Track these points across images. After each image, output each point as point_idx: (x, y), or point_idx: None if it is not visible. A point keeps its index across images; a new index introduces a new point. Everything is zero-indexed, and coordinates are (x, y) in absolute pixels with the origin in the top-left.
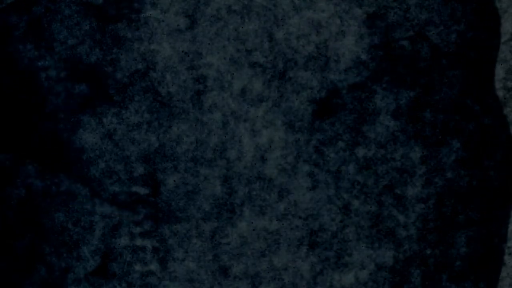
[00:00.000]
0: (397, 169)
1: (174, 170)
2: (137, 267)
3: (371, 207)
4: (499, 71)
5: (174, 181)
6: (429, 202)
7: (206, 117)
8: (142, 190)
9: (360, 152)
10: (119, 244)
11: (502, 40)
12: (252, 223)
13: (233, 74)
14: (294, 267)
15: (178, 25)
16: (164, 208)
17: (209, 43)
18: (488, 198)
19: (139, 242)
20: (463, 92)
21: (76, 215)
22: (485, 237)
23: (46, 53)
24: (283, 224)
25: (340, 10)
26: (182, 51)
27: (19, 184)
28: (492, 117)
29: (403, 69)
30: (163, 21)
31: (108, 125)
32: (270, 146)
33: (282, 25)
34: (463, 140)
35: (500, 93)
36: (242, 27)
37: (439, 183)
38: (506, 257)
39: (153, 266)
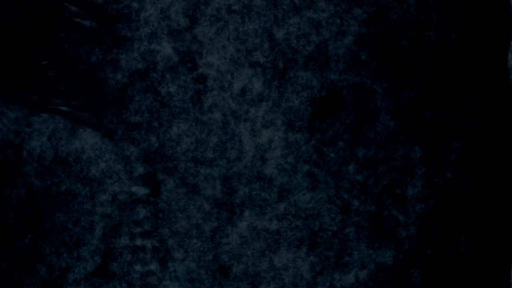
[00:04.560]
0: (397, 169)
1: (174, 170)
2: (137, 267)
3: (371, 207)
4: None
5: (174, 181)
6: (429, 202)
7: (206, 117)
8: (142, 190)
9: (360, 152)
10: (119, 244)
11: None
12: (252, 223)
13: (233, 74)
14: (294, 267)
15: (178, 25)
16: (164, 208)
17: (209, 43)
18: (488, 198)
19: (139, 242)
20: (463, 92)
21: (76, 215)
22: (485, 237)
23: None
24: (283, 224)
25: (340, 10)
26: (182, 51)
27: (19, 184)
28: (493, 117)
29: (403, 69)
30: (163, 21)
31: (108, 125)
32: (270, 146)
33: (282, 25)
34: (463, 140)
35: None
36: (242, 27)
37: (439, 183)
38: None
39: (153, 266)
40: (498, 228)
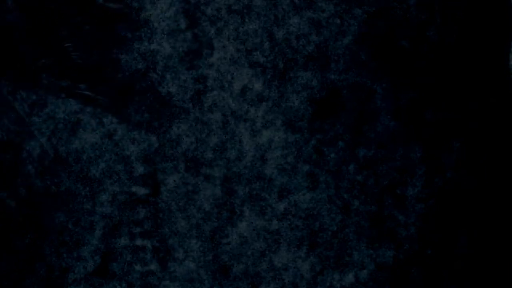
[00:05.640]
0: (397, 169)
1: (174, 170)
2: (137, 267)
3: (371, 207)
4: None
5: (174, 181)
6: (429, 202)
7: (206, 117)
8: (142, 190)
9: (360, 152)
10: (119, 244)
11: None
12: (252, 223)
13: (233, 74)
14: (294, 267)
15: (178, 25)
16: (164, 208)
17: (209, 43)
18: (488, 198)
19: (139, 242)
20: (463, 92)
21: (76, 215)
22: (485, 237)
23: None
24: (283, 224)
25: (340, 10)
26: (182, 51)
27: (19, 184)
28: (493, 117)
29: (403, 69)
30: (163, 21)
31: (108, 125)
32: (270, 146)
33: (282, 25)
34: (463, 140)
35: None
36: (242, 27)
37: (439, 183)
38: None
39: (153, 266)
40: (499, 228)
